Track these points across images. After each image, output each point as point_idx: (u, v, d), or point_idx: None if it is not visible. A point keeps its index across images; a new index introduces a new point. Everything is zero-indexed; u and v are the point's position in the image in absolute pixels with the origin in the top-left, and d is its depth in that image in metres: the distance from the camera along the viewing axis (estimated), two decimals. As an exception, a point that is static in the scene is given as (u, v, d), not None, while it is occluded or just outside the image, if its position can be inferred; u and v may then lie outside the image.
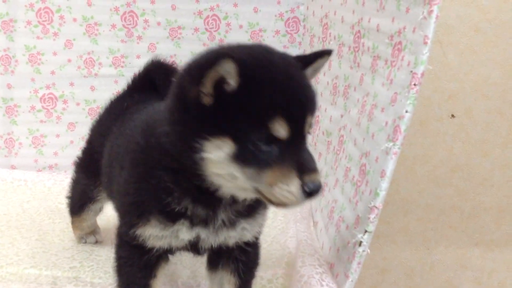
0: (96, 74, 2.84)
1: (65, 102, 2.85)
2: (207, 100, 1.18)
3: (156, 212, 1.37)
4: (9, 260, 1.91)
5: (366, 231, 1.62)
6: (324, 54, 1.38)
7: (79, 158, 2.04)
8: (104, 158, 1.76)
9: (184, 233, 1.39)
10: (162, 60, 1.93)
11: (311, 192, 1.17)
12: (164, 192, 1.34)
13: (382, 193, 1.60)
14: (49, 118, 2.86)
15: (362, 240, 1.62)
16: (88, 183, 1.95)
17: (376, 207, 1.60)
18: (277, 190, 1.18)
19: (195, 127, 1.21)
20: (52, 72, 2.81)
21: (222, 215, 1.39)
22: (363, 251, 1.63)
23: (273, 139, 1.18)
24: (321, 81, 2.42)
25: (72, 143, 2.87)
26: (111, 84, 2.82)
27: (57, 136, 2.88)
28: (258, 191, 1.23)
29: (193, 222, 1.37)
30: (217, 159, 1.20)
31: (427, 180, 2.95)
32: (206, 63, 1.17)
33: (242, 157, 1.19)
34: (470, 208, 2.99)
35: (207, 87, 1.17)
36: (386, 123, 1.65)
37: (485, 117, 2.86)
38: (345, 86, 2.11)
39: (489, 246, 3.02)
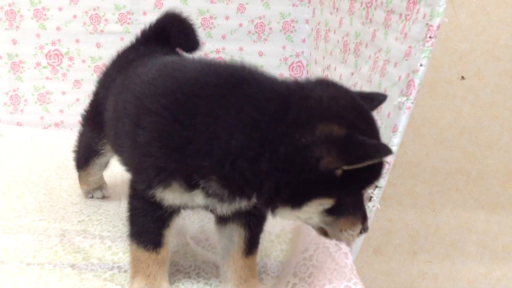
0: (102, 31, 2.80)
1: (70, 59, 2.82)
2: (339, 172, 1.20)
3: (179, 179, 1.35)
4: (17, 213, 1.91)
5: (376, 186, 1.61)
6: (383, 100, 1.41)
7: (86, 111, 2.02)
8: (107, 111, 1.74)
9: (200, 199, 1.39)
10: (177, 13, 1.90)
11: (362, 233, 1.34)
12: (198, 173, 1.32)
13: (394, 148, 1.59)
14: (54, 75, 2.83)
15: (372, 195, 1.62)
16: (93, 136, 1.93)
17: (387, 162, 1.59)
18: (344, 234, 1.32)
19: (312, 189, 1.23)
20: (58, 28, 2.78)
21: (239, 200, 1.37)
22: (373, 206, 1.63)
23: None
24: (331, 40, 2.38)
25: (78, 100, 2.84)
26: (117, 41, 2.76)
27: (63, 93, 2.85)
28: (321, 229, 1.35)
29: (209, 194, 1.36)
30: (311, 211, 1.28)
31: (434, 142, 2.94)
32: (369, 153, 1.17)
33: (332, 210, 1.27)
34: (476, 171, 2.98)
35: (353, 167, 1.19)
36: (399, 77, 1.63)
37: (495, 79, 2.83)
38: (356, 43, 2.08)
39: (495, 209, 3.02)
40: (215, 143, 1.27)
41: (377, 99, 1.40)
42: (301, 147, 1.20)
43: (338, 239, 1.34)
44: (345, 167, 1.18)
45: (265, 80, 1.34)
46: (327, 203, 1.25)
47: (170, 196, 1.38)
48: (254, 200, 1.33)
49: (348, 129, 1.19)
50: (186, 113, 1.31)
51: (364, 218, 1.33)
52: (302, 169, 1.20)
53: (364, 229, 1.33)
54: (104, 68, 1.95)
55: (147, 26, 1.94)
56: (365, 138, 1.19)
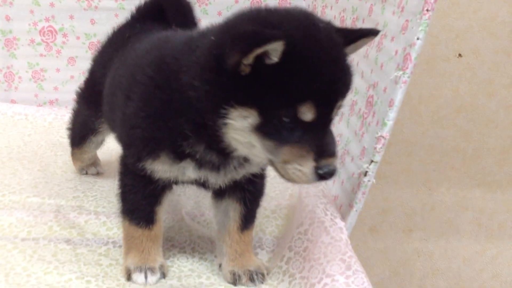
0: (96, 7, 2.76)
1: (64, 35, 2.78)
2: (245, 70, 1.15)
3: (167, 150, 1.35)
4: (11, 189, 1.91)
5: (372, 161, 1.61)
6: (370, 33, 1.31)
7: (80, 88, 2.01)
8: (105, 88, 1.73)
9: (191, 172, 1.39)
10: None
11: (324, 175, 1.18)
12: (180, 136, 1.32)
13: (390, 123, 1.58)
14: (49, 52, 2.80)
15: (367, 170, 1.61)
16: (89, 114, 1.93)
17: (383, 137, 1.58)
18: (290, 168, 1.19)
19: (225, 93, 1.18)
20: (51, 4, 2.74)
21: (234, 162, 1.38)
22: (369, 180, 1.62)
23: (298, 120, 1.17)
24: (328, 16, 2.36)
25: (72, 78, 2.81)
26: (112, 18, 2.74)
27: (57, 70, 2.82)
28: (271, 162, 1.24)
29: (201, 163, 1.36)
30: (240, 127, 1.20)
31: (431, 120, 2.93)
32: (257, 40, 1.11)
33: (264, 130, 1.18)
34: (473, 149, 2.98)
35: (250, 60, 1.13)
36: (396, 52, 1.61)
37: (492, 57, 2.82)
38: (353, 18, 2.06)
39: (491, 187, 3.03)
40: (180, 94, 1.28)
41: (360, 31, 1.32)
42: (213, 48, 1.20)
43: (288, 175, 1.21)
44: (244, 60, 1.12)
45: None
46: (250, 115, 1.17)
47: (159, 167, 1.38)
48: (223, 138, 1.26)
49: (258, 26, 1.15)
50: (163, 77, 1.33)
51: (320, 152, 1.19)
52: (216, 72, 1.18)
53: (321, 167, 1.18)
54: (99, 46, 1.94)
55: (142, 2, 1.92)
56: (264, 29, 1.14)
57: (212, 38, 1.22)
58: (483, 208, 3.07)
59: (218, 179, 1.41)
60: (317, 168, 1.18)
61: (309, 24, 1.21)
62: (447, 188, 3.05)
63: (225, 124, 1.21)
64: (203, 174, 1.39)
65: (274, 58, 1.13)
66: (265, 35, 1.11)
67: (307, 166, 1.18)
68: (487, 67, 2.83)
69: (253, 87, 1.16)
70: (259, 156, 1.25)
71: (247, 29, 1.15)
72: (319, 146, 1.19)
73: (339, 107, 1.23)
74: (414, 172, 3.02)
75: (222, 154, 1.34)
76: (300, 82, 1.14)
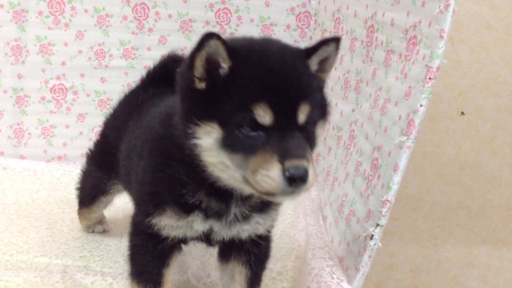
0: (106, 66, 2.84)
1: (75, 93, 2.85)
2: (200, 85, 1.21)
3: (172, 203, 1.38)
4: (19, 248, 1.92)
5: (378, 225, 1.62)
6: (329, 41, 1.32)
7: (91, 150, 2.04)
8: (121, 151, 1.76)
9: (198, 224, 1.40)
10: (179, 53, 1.94)
11: (293, 177, 1.14)
12: (179, 184, 1.35)
13: (395, 187, 1.60)
14: (59, 109, 2.86)
15: (373, 233, 1.62)
16: (101, 176, 1.95)
17: (388, 201, 1.60)
18: (259, 176, 1.16)
19: (189, 113, 1.23)
20: (63, 63, 2.81)
21: (235, 209, 1.39)
22: (375, 244, 1.63)
23: (258, 125, 1.18)
24: (333, 76, 2.41)
25: (81, 134, 2.87)
26: (121, 76, 2.82)
27: (67, 127, 2.88)
28: (246, 180, 1.21)
29: (207, 214, 1.39)
30: (207, 145, 1.22)
31: (435, 177, 2.95)
32: (196, 45, 1.19)
33: (230, 143, 1.19)
34: (477, 206, 2.98)
35: (199, 70, 1.20)
36: (400, 117, 1.64)
37: (495, 115, 2.86)
38: (357, 80, 2.11)
39: (496, 244, 3.02)
40: (175, 144, 1.32)
41: (321, 40, 1.32)
42: (179, 77, 1.29)
43: (258, 186, 1.16)
44: (195, 73, 1.20)
45: None
46: (212, 130, 1.19)
47: (166, 222, 1.40)
48: (202, 163, 1.29)
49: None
50: (166, 132, 1.39)
51: (284, 154, 1.15)
52: (183, 95, 1.27)
53: (287, 169, 1.13)
54: (111, 110, 1.97)
55: (151, 67, 1.97)
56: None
57: (178, 70, 1.32)
58: (489, 265, 3.05)
59: (223, 231, 1.42)
60: (284, 170, 1.14)
61: (262, 39, 1.29)
62: (452, 245, 3.04)
63: (195, 144, 1.23)
64: (208, 225, 1.41)
65: (224, 65, 1.19)
66: (201, 38, 1.18)
67: (273, 170, 1.14)
68: (490, 125, 2.87)
69: (210, 101, 1.20)
70: (234, 176, 1.23)
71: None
72: (283, 148, 1.16)
73: (307, 114, 1.22)
74: (419, 228, 3.02)
75: (222, 200, 1.37)
76: (250, 84, 1.18)
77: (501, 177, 2.93)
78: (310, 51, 1.30)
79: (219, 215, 1.39)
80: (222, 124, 1.18)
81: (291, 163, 1.14)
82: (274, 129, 1.17)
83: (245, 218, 1.42)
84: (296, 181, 1.14)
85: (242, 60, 1.20)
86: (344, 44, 2.28)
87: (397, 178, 1.60)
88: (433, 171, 2.93)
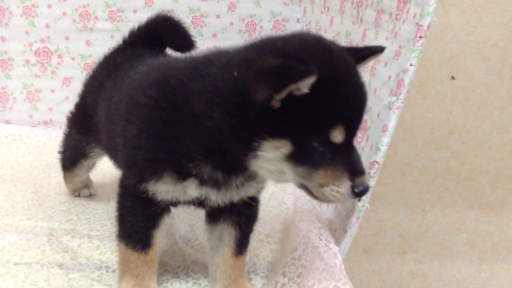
0: (91, 29, 2.78)
1: (60, 56, 2.80)
2: (276, 104, 1.16)
3: (171, 169, 1.35)
4: (4, 212, 1.90)
5: (366, 186, 1.61)
6: (377, 51, 1.36)
7: (71, 113, 2.01)
8: (99, 116, 1.72)
9: (193, 190, 1.38)
10: (169, 15, 1.91)
11: (359, 193, 1.22)
12: (185, 157, 1.32)
13: (384, 148, 1.59)
14: (43, 73, 2.81)
15: (361, 195, 1.61)
16: (80, 138, 1.93)
17: (377, 162, 1.59)
18: (327, 190, 1.22)
19: (256, 128, 1.19)
20: (47, 26, 2.75)
21: (236, 180, 1.38)
22: (363, 206, 1.62)
23: (329, 143, 1.19)
24: (322, 38, 2.38)
25: (67, 98, 2.82)
26: (107, 39, 2.76)
27: (52, 91, 2.83)
28: (304, 186, 1.26)
29: (203, 181, 1.36)
30: (272, 158, 1.21)
31: (424, 142, 2.94)
32: (291, 76, 1.12)
33: (297, 157, 1.20)
34: (466, 171, 2.98)
35: (283, 95, 1.14)
36: (390, 77, 1.62)
37: (485, 80, 2.84)
38: (347, 42, 2.07)
39: (484, 209, 3.03)
40: (190, 117, 1.28)
41: (367, 49, 1.35)
42: (237, 83, 1.20)
43: (324, 198, 1.24)
44: (277, 96, 1.14)
45: (229, 48, 1.35)
46: (283, 146, 1.19)
47: (163, 188, 1.38)
48: (251, 167, 1.27)
49: (284, 60, 1.16)
50: (167, 98, 1.34)
51: (354, 171, 1.22)
52: (242, 107, 1.19)
53: (357, 186, 1.21)
54: (90, 71, 1.94)
55: (135, 27, 1.93)
56: (294, 63, 1.15)
57: (235, 74, 1.21)
58: (476, 230, 3.07)
59: (219, 197, 1.40)
60: (353, 187, 1.21)
61: (327, 50, 1.23)
62: (440, 210, 3.05)
63: (256, 156, 1.22)
64: (204, 192, 1.39)
65: (305, 90, 1.15)
66: (300, 71, 1.12)
67: (345, 187, 1.21)
68: (480, 90, 2.85)
69: (284, 119, 1.17)
70: (288, 180, 1.27)
71: (275, 64, 1.14)
72: (352, 165, 1.22)
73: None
74: (408, 193, 3.03)
75: (228, 173, 1.35)
76: (330, 108, 1.17)
77: (490, 142, 2.92)
78: (360, 59, 1.31)
79: (218, 184, 1.37)
80: (294, 141, 1.18)
81: (359, 181, 1.21)
82: (341, 145, 1.21)
83: (242, 184, 1.40)
84: (361, 195, 1.23)
85: (321, 85, 1.15)
86: (334, 5, 2.24)
87: (385, 139, 1.59)
88: (422, 136, 2.92)
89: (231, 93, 1.21)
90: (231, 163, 1.30)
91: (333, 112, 1.18)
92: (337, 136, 1.19)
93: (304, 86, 1.13)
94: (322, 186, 1.22)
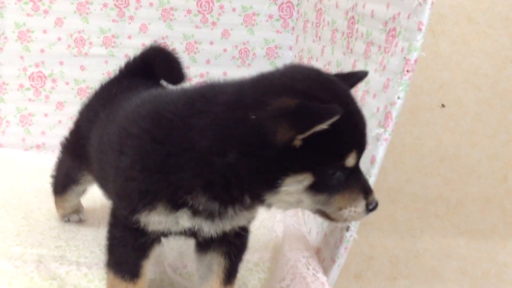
0: (86, 54, 2.81)
1: (54, 81, 2.82)
2: (297, 143, 1.19)
3: (165, 200, 1.35)
4: (-6, 237, 1.90)
5: (354, 217, 1.62)
6: (363, 77, 1.45)
7: (66, 139, 2.02)
8: (92, 145, 1.73)
9: (185, 221, 1.38)
10: (161, 45, 1.94)
11: (372, 209, 1.31)
12: (182, 189, 1.32)
13: (372, 179, 1.60)
14: (37, 97, 2.82)
15: (350, 225, 1.63)
16: (72, 165, 1.94)
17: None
18: (346, 212, 1.29)
19: (277, 165, 1.22)
20: (42, 50, 2.78)
21: (231, 211, 1.38)
22: (351, 236, 1.63)
23: (343, 168, 1.26)
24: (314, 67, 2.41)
25: (60, 122, 2.83)
26: (101, 64, 2.79)
27: (45, 115, 2.84)
28: (320, 211, 1.33)
29: (196, 212, 1.36)
30: (294, 191, 1.25)
31: (415, 169, 2.97)
32: (317, 117, 1.16)
33: (316, 187, 1.25)
34: (456, 198, 3.00)
35: (306, 135, 1.18)
36: (378, 109, 1.65)
37: (475, 108, 2.88)
38: (338, 72, 2.10)
39: (474, 236, 3.04)
40: (190, 152, 1.29)
41: (355, 75, 1.43)
42: (254, 125, 1.21)
43: (342, 219, 1.31)
44: (300, 136, 1.17)
45: (223, 85, 1.36)
46: (305, 179, 1.23)
47: (155, 219, 1.37)
48: (247, 201, 1.31)
49: (300, 99, 1.19)
50: (162, 132, 1.34)
51: (366, 191, 1.30)
52: (261, 148, 1.20)
53: (370, 203, 1.30)
54: (86, 100, 1.95)
55: (131, 58, 1.94)
56: (315, 103, 1.18)
57: (253, 117, 1.22)
58: (467, 257, 3.08)
59: (212, 228, 1.40)
60: (367, 205, 1.30)
61: (333, 84, 1.29)
62: (431, 236, 3.06)
63: (278, 191, 1.25)
64: (197, 223, 1.39)
65: (325, 127, 1.18)
66: (326, 112, 1.16)
67: (361, 206, 1.30)
68: (470, 118, 2.89)
69: (305, 154, 1.21)
70: (304, 208, 1.34)
71: (293, 104, 1.17)
72: (362, 186, 1.31)
73: None
74: (398, 219, 3.04)
75: (225, 203, 1.35)
76: (346, 137, 1.24)
77: (480, 170, 2.95)
78: (350, 85, 1.40)
79: (212, 215, 1.37)
80: (315, 172, 1.23)
81: (372, 198, 1.31)
82: (352, 168, 1.28)
83: (236, 215, 1.40)
84: (372, 210, 1.32)
85: (338, 119, 1.18)
86: (325, 35, 2.27)
87: (374, 171, 1.61)
88: (412, 163, 2.95)
89: (247, 134, 1.22)
90: (234, 195, 1.31)
91: (348, 141, 1.25)
92: (351, 161, 1.26)
93: (328, 124, 1.18)
94: (340, 209, 1.29)
